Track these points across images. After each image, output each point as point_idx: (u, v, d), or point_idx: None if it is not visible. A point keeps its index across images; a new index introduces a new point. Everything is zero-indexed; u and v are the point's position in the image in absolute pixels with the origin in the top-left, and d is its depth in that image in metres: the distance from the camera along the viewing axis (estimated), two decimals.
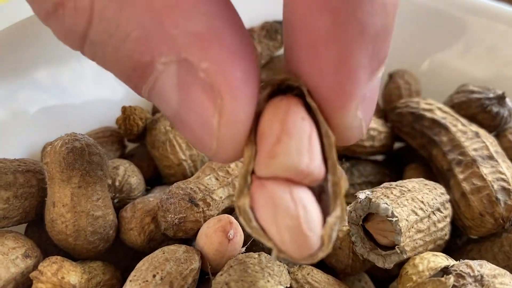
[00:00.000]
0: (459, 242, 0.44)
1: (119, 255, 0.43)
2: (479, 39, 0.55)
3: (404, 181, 0.39)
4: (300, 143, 0.26)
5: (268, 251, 0.34)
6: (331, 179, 0.27)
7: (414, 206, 0.36)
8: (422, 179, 0.40)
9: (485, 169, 0.40)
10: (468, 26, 0.55)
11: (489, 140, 0.43)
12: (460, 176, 0.41)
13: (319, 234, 0.26)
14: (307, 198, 0.26)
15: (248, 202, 0.26)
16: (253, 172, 0.27)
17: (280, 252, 0.26)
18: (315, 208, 0.26)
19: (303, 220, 0.25)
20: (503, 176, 0.39)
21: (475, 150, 0.42)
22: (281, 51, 0.56)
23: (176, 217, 0.37)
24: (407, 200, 0.36)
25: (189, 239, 0.39)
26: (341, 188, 0.27)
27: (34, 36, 0.47)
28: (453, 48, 0.57)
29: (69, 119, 0.49)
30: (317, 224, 0.26)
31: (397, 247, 0.35)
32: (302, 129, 0.27)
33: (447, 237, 0.39)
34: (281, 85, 0.28)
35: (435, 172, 0.45)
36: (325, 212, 0.27)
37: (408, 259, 0.36)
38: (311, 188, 0.28)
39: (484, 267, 0.32)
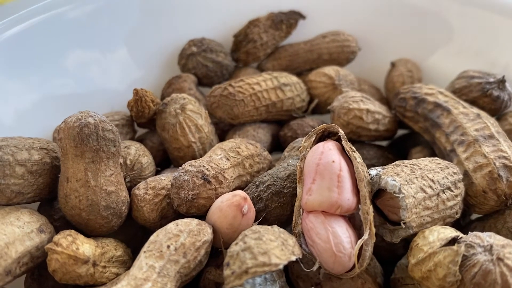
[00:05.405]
0: (462, 222, 0.45)
1: (129, 236, 0.43)
2: (471, 38, 0.55)
3: (418, 159, 0.40)
4: (330, 182, 0.35)
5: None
6: (362, 208, 0.35)
7: (423, 184, 0.37)
8: (436, 158, 0.41)
9: (487, 148, 0.41)
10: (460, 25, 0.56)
11: (490, 121, 0.44)
12: (463, 156, 0.42)
13: (349, 255, 0.34)
14: (337, 226, 0.34)
15: (300, 229, 0.36)
16: None
17: (322, 267, 0.35)
18: (345, 233, 0.34)
19: (333, 244, 0.34)
20: (504, 154, 0.40)
21: (476, 130, 0.43)
22: (285, 41, 0.57)
23: (189, 193, 0.37)
24: (416, 178, 0.37)
25: (199, 217, 0.40)
26: (370, 216, 0.35)
27: (64, 25, 0.50)
28: (446, 46, 0.57)
29: (79, 106, 0.49)
30: (347, 247, 0.34)
31: (403, 223, 0.36)
32: (332, 171, 0.35)
33: (457, 216, 0.39)
34: (324, 132, 0.39)
35: (438, 154, 0.46)
36: (360, 236, 0.35)
37: (415, 234, 0.37)
38: (348, 217, 0.36)
39: (493, 238, 0.33)
